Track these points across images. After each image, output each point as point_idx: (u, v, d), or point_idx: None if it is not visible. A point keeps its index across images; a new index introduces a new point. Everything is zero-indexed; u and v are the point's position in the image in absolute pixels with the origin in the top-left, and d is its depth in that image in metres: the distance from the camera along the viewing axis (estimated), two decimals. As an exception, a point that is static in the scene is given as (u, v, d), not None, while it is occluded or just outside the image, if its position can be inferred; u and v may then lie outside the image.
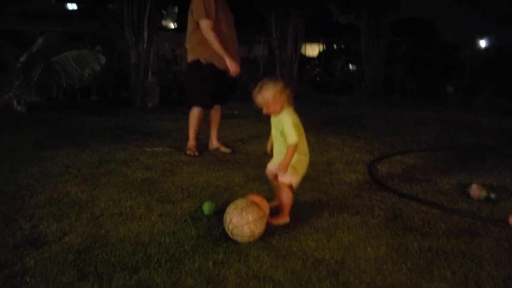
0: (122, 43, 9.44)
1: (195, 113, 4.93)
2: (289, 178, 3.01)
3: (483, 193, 3.64)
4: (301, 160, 3.06)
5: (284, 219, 3.04)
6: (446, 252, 2.71)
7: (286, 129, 2.96)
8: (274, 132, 3.11)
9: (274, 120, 3.08)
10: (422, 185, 4.05)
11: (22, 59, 6.84)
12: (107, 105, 8.51)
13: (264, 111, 3.01)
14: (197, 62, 4.76)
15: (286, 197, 3.05)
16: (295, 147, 2.95)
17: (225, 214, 2.83)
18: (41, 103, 7.78)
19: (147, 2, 8.40)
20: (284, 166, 2.94)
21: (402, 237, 2.90)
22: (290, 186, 3.04)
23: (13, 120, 6.44)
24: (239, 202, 2.84)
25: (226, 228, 2.78)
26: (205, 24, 4.61)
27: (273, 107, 2.97)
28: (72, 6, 39.21)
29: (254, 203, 2.83)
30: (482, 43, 19.18)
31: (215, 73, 4.73)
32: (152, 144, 5.28)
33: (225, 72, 4.79)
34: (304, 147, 3.09)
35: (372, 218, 3.20)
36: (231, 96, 5.30)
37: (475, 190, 3.71)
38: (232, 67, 4.65)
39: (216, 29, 4.63)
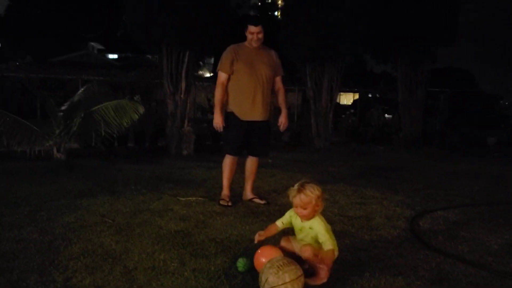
0: (160, 92, 9.65)
1: (226, 161, 4.96)
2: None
3: (536, 255, 3.40)
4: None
5: (322, 279, 2.90)
6: (499, 321, 2.51)
7: (321, 237, 2.92)
8: (301, 236, 3.05)
9: (302, 225, 3.00)
10: (468, 244, 3.83)
11: (64, 108, 7.04)
12: (144, 153, 8.61)
13: (300, 213, 2.94)
14: (225, 111, 4.89)
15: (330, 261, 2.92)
16: (333, 253, 2.91)
17: (260, 273, 2.72)
18: (80, 150, 7.94)
19: (185, 55, 8.61)
20: (319, 262, 2.87)
21: (450, 303, 2.70)
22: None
23: (52, 167, 6.56)
24: (276, 261, 2.73)
25: (261, 287, 2.66)
26: (218, 77, 4.89)
27: (311, 210, 2.91)
28: (113, 56, 41.01)
29: (291, 262, 2.71)
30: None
31: (238, 122, 4.80)
32: (186, 193, 5.25)
33: (254, 123, 4.83)
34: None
35: (416, 279, 3.02)
36: (266, 148, 5.23)
37: (527, 251, 3.48)
38: (214, 120, 4.80)
39: (235, 80, 4.80)
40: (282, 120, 5.02)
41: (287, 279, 2.59)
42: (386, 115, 14.59)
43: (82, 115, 6.74)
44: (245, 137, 4.86)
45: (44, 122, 7.38)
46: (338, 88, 10.78)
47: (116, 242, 3.54)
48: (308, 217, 2.94)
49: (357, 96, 19.87)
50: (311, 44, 9.81)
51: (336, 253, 3.01)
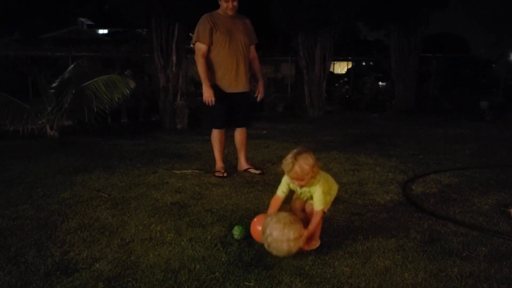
0: (152, 66, 9.57)
1: (214, 134, 4.95)
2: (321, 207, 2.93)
3: (526, 214, 3.47)
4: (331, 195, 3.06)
5: (315, 243, 2.95)
6: (489, 278, 2.58)
7: (316, 197, 2.90)
8: (302, 197, 3.06)
9: (301, 190, 2.99)
10: (459, 205, 3.90)
11: (55, 85, 6.98)
12: (137, 128, 8.60)
13: (298, 184, 2.89)
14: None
15: (318, 223, 2.94)
16: (321, 215, 2.90)
17: (265, 225, 2.77)
18: (74, 127, 7.92)
19: (175, 28, 8.51)
20: (309, 235, 2.84)
21: (441, 262, 2.77)
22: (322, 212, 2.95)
23: (46, 144, 6.55)
24: (283, 217, 2.77)
25: (264, 239, 2.73)
26: (196, 49, 4.75)
27: (308, 178, 2.85)
28: (103, 31, 40.42)
29: (297, 221, 2.76)
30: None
31: (222, 95, 4.74)
32: (182, 167, 5.27)
33: (237, 95, 4.81)
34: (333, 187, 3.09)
35: (408, 241, 3.09)
36: (250, 119, 5.22)
37: (517, 211, 3.55)
38: (205, 94, 4.67)
39: (215, 51, 4.70)
40: (260, 90, 4.99)
41: (292, 237, 2.65)
42: (380, 83, 14.56)
43: (73, 91, 6.68)
44: (230, 109, 4.83)
45: (36, 100, 7.33)
46: (331, 57, 10.71)
47: (113, 215, 3.58)
48: (307, 184, 2.90)
49: (351, 64, 19.76)
50: (305, 13, 9.67)
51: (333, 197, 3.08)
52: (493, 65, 15.00)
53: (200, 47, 4.70)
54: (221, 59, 4.71)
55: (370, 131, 8.35)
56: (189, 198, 4.04)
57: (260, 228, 3.00)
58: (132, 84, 7.03)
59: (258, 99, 5.05)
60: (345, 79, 14.95)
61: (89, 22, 40.76)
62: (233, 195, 4.16)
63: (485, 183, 4.66)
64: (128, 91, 6.94)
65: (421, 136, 7.75)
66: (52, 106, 6.76)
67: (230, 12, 4.70)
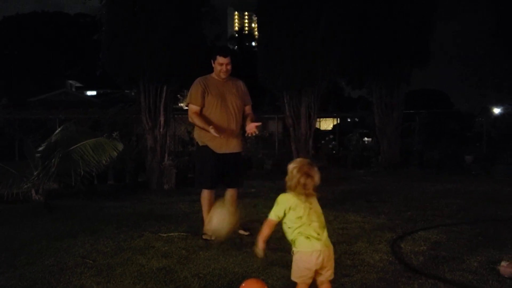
0: (140, 127, 9.65)
1: (204, 195, 4.94)
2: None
3: (515, 271, 3.45)
4: (297, 257, 2.86)
5: None
6: None
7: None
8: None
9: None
10: (448, 263, 3.87)
11: (42, 148, 6.97)
12: (124, 190, 8.53)
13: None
14: (197, 145, 4.94)
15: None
16: (268, 222, 2.97)
17: None
18: (59, 190, 7.84)
19: (163, 89, 8.65)
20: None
21: (433, 325, 2.72)
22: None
23: (31, 209, 6.46)
24: None
25: None
26: (189, 110, 4.88)
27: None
28: (91, 92, 41.01)
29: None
30: (496, 110, 19.13)
31: (212, 156, 4.79)
32: (168, 229, 5.21)
33: (229, 155, 4.85)
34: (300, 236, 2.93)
35: (399, 303, 3.04)
36: (241, 179, 5.22)
37: (506, 268, 3.52)
38: (214, 133, 4.62)
39: (207, 113, 4.81)
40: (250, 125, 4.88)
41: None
42: (366, 139, 14.77)
43: (60, 155, 6.67)
44: (220, 169, 4.86)
45: (22, 164, 7.29)
46: (315, 114, 10.89)
47: (97, 283, 3.49)
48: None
49: (336, 121, 20.11)
50: (289, 73, 9.92)
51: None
52: (476, 119, 15.33)
53: (192, 108, 4.83)
54: (212, 120, 4.79)
55: (357, 188, 8.37)
56: (175, 263, 3.97)
57: None
58: (120, 147, 7.05)
59: (248, 132, 4.96)
60: (331, 136, 15.15)
61: (78, 84, 41.40)
62: (221, 258, 4.10)
63: (474, 239, 4.66)
64: (115, 154, 6.94)
65: (408, 191, 7.78)
66: (38, 170, 6.72)
67: (223, 75, 4.86)
